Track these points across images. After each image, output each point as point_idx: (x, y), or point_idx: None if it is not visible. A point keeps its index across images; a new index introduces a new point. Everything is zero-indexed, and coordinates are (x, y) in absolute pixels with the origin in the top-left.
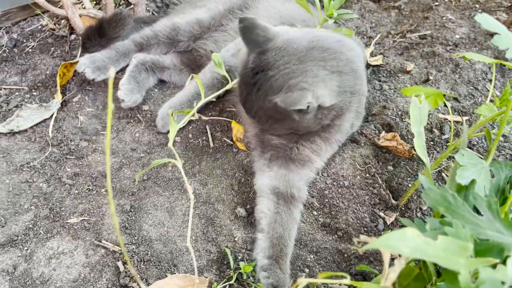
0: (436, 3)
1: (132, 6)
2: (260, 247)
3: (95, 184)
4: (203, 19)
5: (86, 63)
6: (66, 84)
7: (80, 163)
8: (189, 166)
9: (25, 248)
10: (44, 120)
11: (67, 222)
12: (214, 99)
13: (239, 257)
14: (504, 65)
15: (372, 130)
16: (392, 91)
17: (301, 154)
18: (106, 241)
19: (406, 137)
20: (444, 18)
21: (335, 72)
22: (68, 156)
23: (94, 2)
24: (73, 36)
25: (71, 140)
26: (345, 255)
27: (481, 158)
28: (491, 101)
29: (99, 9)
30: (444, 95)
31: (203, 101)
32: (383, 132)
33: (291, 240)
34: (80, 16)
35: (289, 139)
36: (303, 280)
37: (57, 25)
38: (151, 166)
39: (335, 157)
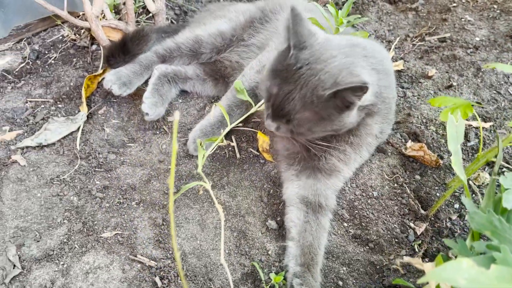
0: (454, 4)
1: (151, 14)
2: (292, 255)
3: (125, 197)
4: (225, 31)
5: (112, 80)
6: (91, 96)
7: (109, 175)
8: (217, 177)
9: (62, 263)
10: (71, 133)
11: (101, 237)
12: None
13: (273, 271)
14: None
15: (398, 139)
16: (416, 98)
17: (328, 163)
18: (142, 255)
19: (432, 145)
20: (462, 19)
21: (374, 69)
22: (96, 169)
23: (114, 12)
24: (94, 47)
25: (99, 153)
26: (378, 267)
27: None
28: None
29: (119, 19)
30: (472, 104)
31: (228, 128)
32: (410, 141)
33: (321, 249)
34: (102, 27)
35: (318, 148)
36: None
37: (77, 35)
38: (182, 190)
39: (363, 167)
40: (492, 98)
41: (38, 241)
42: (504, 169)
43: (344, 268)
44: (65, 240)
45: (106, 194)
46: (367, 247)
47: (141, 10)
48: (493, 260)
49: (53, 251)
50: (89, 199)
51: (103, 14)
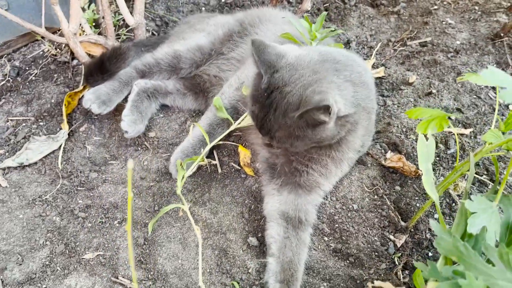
0: (435, 7)
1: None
2: (272, 271)
3: (107, 216)
4: (203, 45)
5: (91, 99)
6: (72, 113)
7: (91, 194)
8: (198, 194)
9: (44, 286)
10: (53, 152)
11: (82, 258)
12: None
13: None
14: None
15: (378, 150)
16: (396, 106)
17: (309, 179)
18: (123, 277)
19: (412, 155)
20: (443, 22)
21: (348, 81)
22: (79, 188)
23: (94, 25)
24: (75, 62)
25: (80, 172)
26: (358, 281)
27: (490, 200)
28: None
29: (99, 33)
30: (449, 117)
31: (208, 147)
32: (389, 151)
33: (301, 265)
34: (81, 42)
35: (301, 162)
36: None
37: (58, 50)
38: (160, 214)
39: (343, 180)
40: (472, 103)
41: (20, 264)
42: (484, 177)
43: (325, 284)
44: (47, 263)
45: (88, 213)
46: (348, 262)
47: (121, 22)
48: (459, 287)
49: (35, 274)
50: (71, 219)
51: (82, 29)
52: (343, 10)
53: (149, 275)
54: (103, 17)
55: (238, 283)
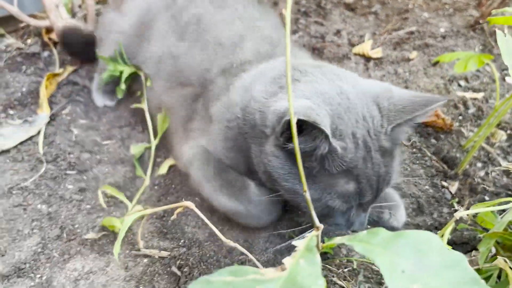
0: (410, 6)
1: None
2: None
3: (109, 196)
4: None
5: None
6: (50, 98)
7: (85, 177)
8: None
9: (39, 275)
10: (30, 138)
11: (87, 239)
12: None
13: None
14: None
15: None
16: (408, 73)
17: None
18: (147, 248)
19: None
20: (422, 17)
21: None
22: (68, 171)
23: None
24: (46, 53)
25: (69, 153)
26: (423, 228)
27: None
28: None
29: None
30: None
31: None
32: None
33: None
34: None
35: None
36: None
37: (24, 44)
38: None
39: None
40: (473, 75)
41: (3, 255)
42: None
43: None
44: (39, 250)
45: (84, 196)
46: (407, 212)
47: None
48: None
49: (25, 264)
50: (63, 204)
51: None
52: (323, 11)
53: (180, 243)
54: (79, 6)
55: None
